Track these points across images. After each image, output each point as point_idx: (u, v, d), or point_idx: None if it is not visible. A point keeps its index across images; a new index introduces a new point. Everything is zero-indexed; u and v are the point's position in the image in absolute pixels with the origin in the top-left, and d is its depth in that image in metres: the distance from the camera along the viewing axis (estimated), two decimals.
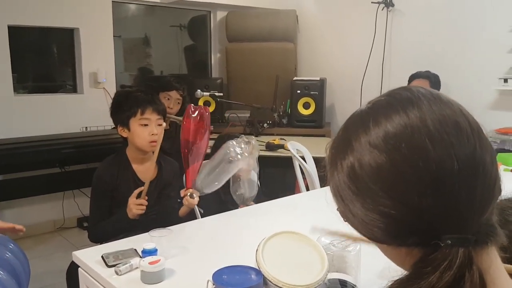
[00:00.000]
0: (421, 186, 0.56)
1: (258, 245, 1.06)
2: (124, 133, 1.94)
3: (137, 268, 1.33)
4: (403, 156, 0.57)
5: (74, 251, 1.46)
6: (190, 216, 2.00)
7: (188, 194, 1.79)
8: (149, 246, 1.36)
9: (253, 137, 2.00)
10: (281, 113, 4.09)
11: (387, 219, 0.59)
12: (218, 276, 0.99)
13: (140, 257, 1.38)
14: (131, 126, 1.91)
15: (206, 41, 4.89)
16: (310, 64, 4.45)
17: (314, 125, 3.91)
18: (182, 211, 1.91)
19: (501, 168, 2.56)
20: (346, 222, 0.68)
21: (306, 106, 3.95)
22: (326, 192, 0.69)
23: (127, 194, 1.90)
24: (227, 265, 1.31)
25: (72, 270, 1.93)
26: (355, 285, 1.12)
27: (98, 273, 1.32)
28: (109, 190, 1.91)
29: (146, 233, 1.60)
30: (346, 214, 0.64)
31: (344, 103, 4.23)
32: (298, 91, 3.94)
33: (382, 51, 3.88)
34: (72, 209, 3.77)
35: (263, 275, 0.99)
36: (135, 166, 1.97)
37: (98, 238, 1.91)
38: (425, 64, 3.39)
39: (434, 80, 3.16)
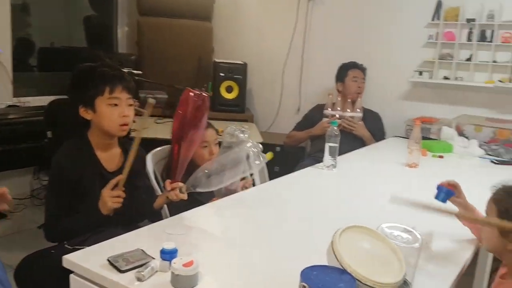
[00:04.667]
0: None
1: (333, 243, 1.00)
2: (88, 115, 1.67)
3: (157, 271, 1.18)
4: None
5: (64, 255, 1.23)
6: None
7: (178, 188, 1.61)
8: (169, 245, 1.20)
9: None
10: None
11: None
12: (306, 279, 0.91)
13: (153, 258, 1.22)
14: (97, 106, 1.65)
15: (111, 12, 4.48)
16: (228, 46, 4.34)
17: (237, 109, 3.85)
18: (159, 203, 1.72)
19: (429, 154, 2.82)
20: None
21: (229, 90, 3.86)
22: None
23: (91, 186, 1.66)
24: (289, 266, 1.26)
25: (25, 272, 1.64)
26: (411, 283, 1.12)
27: (112, 280, 1.13)
28: (70, 181, 1.63)
29: (137, 230, 1.44)
30: None
31: (264, 89, 4.22)
32: (222, 74, 3.82)
33: (302, 39, 3.95)
34: None
35: (351, 274, 0.93)
36: (99, 153, 1.71)
37: (59, 237, 1.63)
38: (346, 55, 3.53)
39: (365, 72, 3.32)
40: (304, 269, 0.94)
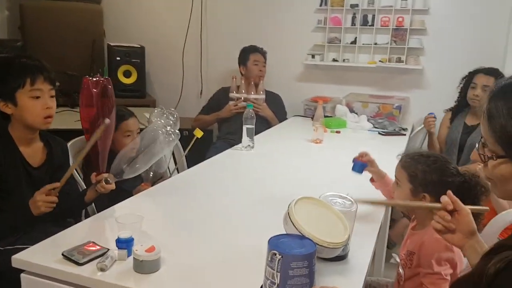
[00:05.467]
0: None
1: (289, 213, 1.12)
2: (9, 109, 1.57)
3: (115, 260, 1.20)
4: None
5: (14, 255, 1.19)
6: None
7: (103, 180, 1.60)
8: (125, 234, 1.23)
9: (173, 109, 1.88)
10: None
11: None
12: (274, 246, 1.01)
13: (108, 248, 1.23)
14: (18, 100, 1.57)
15: None
16: (121, 29, 4.19)
17: (138, 94, 3.78)
18: (90, 197, 1.68)
19: (328, 130, 3.09)
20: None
21: (127, 74, 3.77)
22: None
23: (17, 183, 1.59)
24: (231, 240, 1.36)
25: None
26: (348, 242, 1.29)
27: (73, 273, 1.13)
28: None
29: (81, 223, 1.44)
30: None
31: (164, 73, 4.17)
32: (118, 58, 3.71)
33: (199, 23, 3.98)
34: None
35: (311, 239, 1.07)
36: (22, 149, 1.62)
37: None
38: (244, 39, 3.65)
39: (266, 56, 3.47)
40: (271, 238, 1.05)
